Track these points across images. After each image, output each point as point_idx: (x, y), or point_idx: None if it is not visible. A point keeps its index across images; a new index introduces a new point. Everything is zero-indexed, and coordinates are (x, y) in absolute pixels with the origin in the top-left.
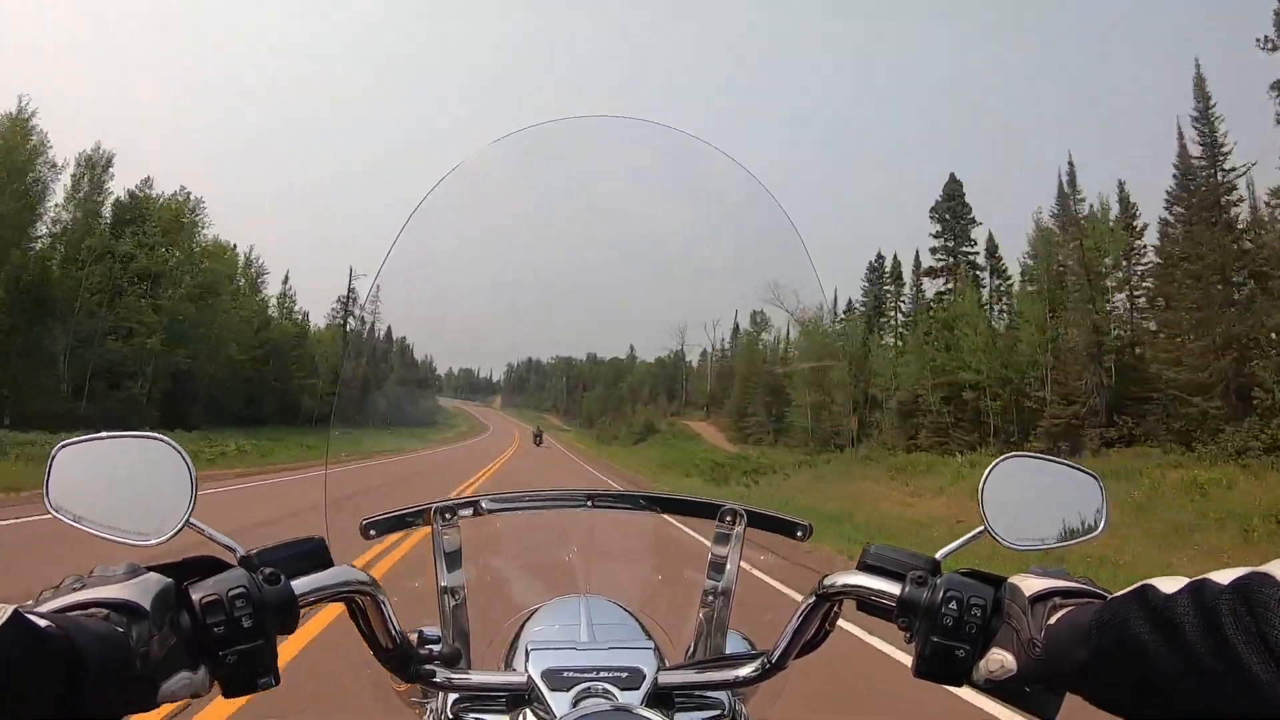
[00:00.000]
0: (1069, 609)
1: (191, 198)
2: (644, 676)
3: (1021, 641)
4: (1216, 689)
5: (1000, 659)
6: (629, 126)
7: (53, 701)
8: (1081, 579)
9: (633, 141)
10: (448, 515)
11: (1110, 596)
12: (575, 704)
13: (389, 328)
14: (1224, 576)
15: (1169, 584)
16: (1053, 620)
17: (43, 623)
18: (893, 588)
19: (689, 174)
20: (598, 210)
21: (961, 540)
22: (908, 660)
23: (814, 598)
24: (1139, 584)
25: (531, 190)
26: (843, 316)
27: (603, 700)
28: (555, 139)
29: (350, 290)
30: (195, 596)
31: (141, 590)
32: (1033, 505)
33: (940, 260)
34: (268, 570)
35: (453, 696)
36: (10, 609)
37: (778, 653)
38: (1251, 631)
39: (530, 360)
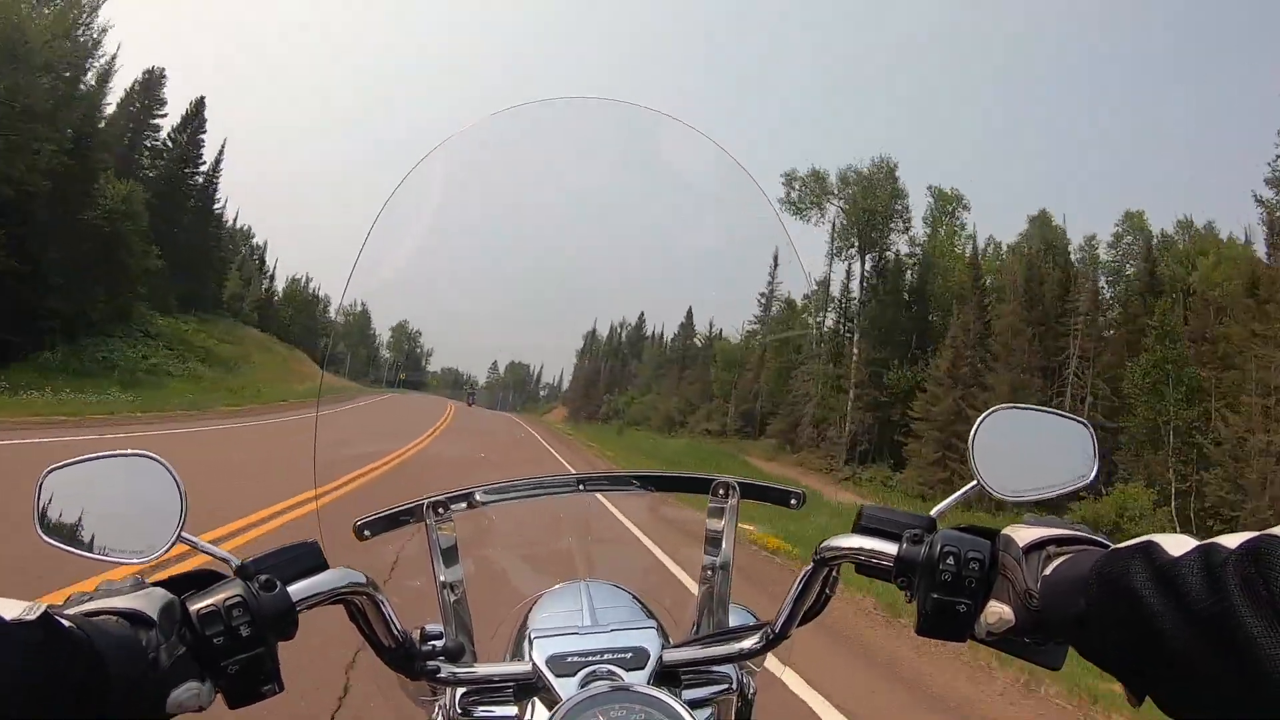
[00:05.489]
0: (1066, 557)
1: None
2: (648, 656)
3: (1017, 593)
4: (1214, 650)
5: (999, 611)
6: (606, 107)
7: (73, 701)
8: (1079, 525)
9: (610, 123)
10: (440, 510)
11: (1112, 549)
12: (582, 688)
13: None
14: (1232, 540)
15: (1175, 545)
16: (1048, 570)
17: (68, 624)
18: (889, 548)
19: (668, 156)
20: (576, 193)
21: (955, 495)
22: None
23: (812, 564)
24: (1143, 539)
25: (508, 172)
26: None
27: (605, 682)
28: (531, 121)
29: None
30: (193, 609)
31: (148, 601)
32: (1024, 456)
33: None
34: (263, 578)
35: (461, 690)
36: (42, 607)
37: (780, 622)
38: (1260, 593)
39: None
